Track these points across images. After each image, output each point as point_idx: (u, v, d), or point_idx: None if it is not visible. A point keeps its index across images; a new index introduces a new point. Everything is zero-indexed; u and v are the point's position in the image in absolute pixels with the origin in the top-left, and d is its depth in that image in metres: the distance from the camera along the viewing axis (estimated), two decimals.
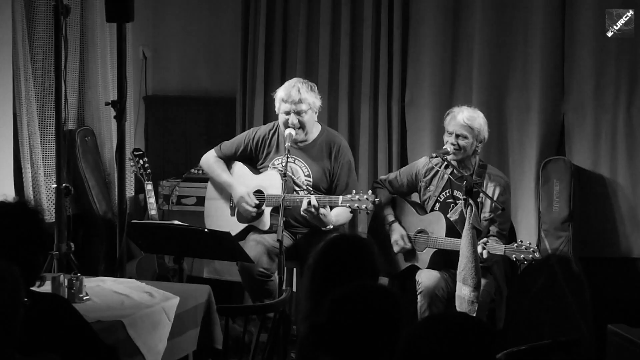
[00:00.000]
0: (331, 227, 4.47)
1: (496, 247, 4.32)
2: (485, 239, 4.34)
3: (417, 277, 4.46)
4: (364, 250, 2.74)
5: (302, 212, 4.39)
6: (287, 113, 4.58)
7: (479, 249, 4.26)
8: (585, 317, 4.87)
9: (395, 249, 4.60)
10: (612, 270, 5.10)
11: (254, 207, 4.62)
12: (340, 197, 4.38)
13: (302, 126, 4.60)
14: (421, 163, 4.73)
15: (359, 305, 2.14)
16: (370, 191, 4.38)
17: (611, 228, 5.07)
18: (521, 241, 4.30)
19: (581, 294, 4.90)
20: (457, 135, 4.48)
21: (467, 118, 4.49)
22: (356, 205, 4.31)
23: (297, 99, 4.55)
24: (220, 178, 4.78)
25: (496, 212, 4.45)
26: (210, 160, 4.84)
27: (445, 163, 4.51)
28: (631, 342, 3.78)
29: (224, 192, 4.81)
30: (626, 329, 3.89)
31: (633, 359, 3.75)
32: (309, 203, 4.34)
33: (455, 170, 4.49)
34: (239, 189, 4.69)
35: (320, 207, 4.36)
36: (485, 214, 4.47)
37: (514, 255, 4.27)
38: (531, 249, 4.24)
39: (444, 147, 4.54)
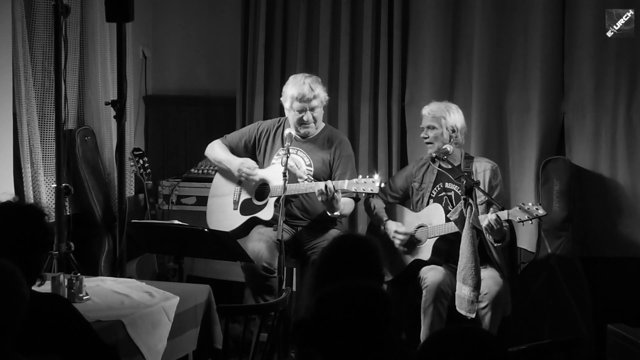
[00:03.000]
0: (338, 214, 4.51)
1: (501, 213, 4.33)
2: (493, 208, 4.42)
3: (421, 273, 4.46)
4: (370, 252, 2.75)
5: (317, 194, 4.41)
6: (301, 111, 4.59)
7: (492, 216, 4.26)
8: (585, 316, 4.87)
9: (397, 242, 4.59)
10: (612, 270, 5.10)
11: (254, 169, 4.67)
12: (347, 181, 4.39)
13: (315, 120, 4.68)
14: (411, 164, 4.83)
15: (345, 303, 2.12)
16: (376, 175, 4.38)
17: (611, 228, 5.08)
18: (523, 203, 4.32)
19: (581, 294, 4.91)
20: (427, 128, 4.60)
21: (430, 110, 4.62)
22: (362, 188, 4.32)
23: (311, 96, 4.60)
24: (221, 156, 4.82)
25: (492, 205, 4.47)
26: (214, 145, 4.88)
27: (432, 159, 4.57)
28: (631, 342, 3.78)
29: (228, 187, 4.82)
30: (626, 329, 3.90)
31: (633, 358, 3.75)
32: (325, 186, 4.36)
33: (443, 164, 4.55)
34: (236, 161, 4.73)
35: (335, 192, 4.38)
36: (480, 197, 4.47)
37: (517, 217, 4.29)
38: (534, 207, 4.26)
39: (443, 147, 4.55)
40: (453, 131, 4.58)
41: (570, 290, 4.88)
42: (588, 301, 4.91)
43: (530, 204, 4.31)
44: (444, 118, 4.58)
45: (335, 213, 4.50)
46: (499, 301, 4.36)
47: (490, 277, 4.36)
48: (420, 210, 4.65)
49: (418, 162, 4.77)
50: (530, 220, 4.31)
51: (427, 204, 4.63)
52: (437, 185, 4.62)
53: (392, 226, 4.63)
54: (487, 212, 4.47)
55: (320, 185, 4.39)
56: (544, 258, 4.94)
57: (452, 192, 4.56)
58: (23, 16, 4.68)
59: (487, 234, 4.37)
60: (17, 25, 4.60)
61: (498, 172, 4.67)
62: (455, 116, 4.62)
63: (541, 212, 4.29)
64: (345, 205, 4.60)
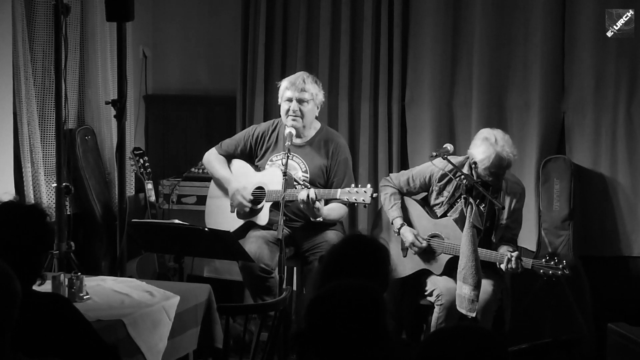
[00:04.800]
0: (321, 219, 4.49)
1: (525, 261, 4.30)
2: (517, 253, 4.32)
3: (431, 284, 4.43)
4: (380, 256, 2.75)
5: (298, 201, 4.41)
6: (289, 100, 4.59)
7: (513, 263, 4.24)
8: (585, 316, 4.87)
9: (413, 251, 4.54)
10: (612, 269, 5.10)
11: (248, 201, 4.63)
12: (339, 190, 4.39)
13: (302, 115, 4.62)
14: (437, 167, 4.57)
15: (337, 306, 2.13)
16: (369, 185, 4.38)
17: (611, 227, 5.07)
18: (547, 257, 4.31)
19: (581, 293, 4.90)
20: (491, 176, 4.38)
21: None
22: (354, 198, 4.31)
23: (300, 87, 4.59)
24: (219, 173, 4.82)
25: (497, 209, 4.43)
26: (211, 157, 4.87)
27: (434, 155, 4.47)
28: (631, 341, 3.78)
29: (225, 188, 4.82)
30: (626, 328, 3.90)
31: (633, 357, 3.75)
32: (308, 195, 4.36)
33: (458, 171, 4.46)
34: (234, 184, 4.72)
35: (317, 201, 4.38)
36: (503, 221, 4.44)
37: (541, 271, 4.27)
38: (560, 265, 4.24)
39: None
40: None
41: (570, 289, 4.88)
42: (588, 301, 4.91)
43: (555, 259, 4.30)
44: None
45: (318, 219, 4.49)
46: (488, 311, 4.35)
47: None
48: (437, 214, 4.57)
49: (444, 167, 4.50)
50: (553, 277, 4.29)
51: (447, 210, 4.54)
52: (462, 197, 4.53)
53: (409, 236, 4.51)
54: (504, 233, 4.45)
55: (303, 194, 4.38)
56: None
57: (460, 200, 4.48)
58: (23, 16, 4.68)
59: (498, 265, 4.34)
60: (17, 25, 4.60)
61: (524, 195, 4.58)
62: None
63: (567, 271, 4.27)
64: (332, 210, 4.58)
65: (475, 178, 4.40)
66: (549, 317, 4.89)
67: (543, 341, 3.15)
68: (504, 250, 4.36)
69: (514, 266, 4.25)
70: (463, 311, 4.27)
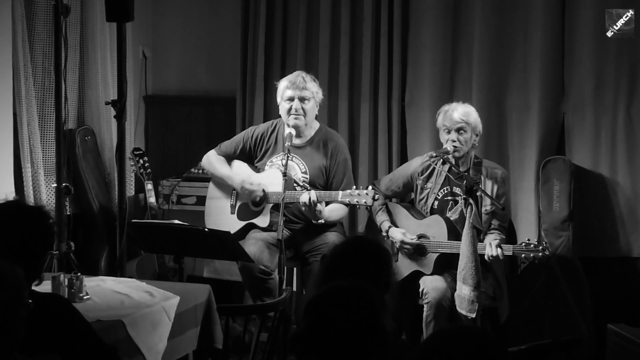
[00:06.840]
0: (323, 221, 4.50)
1: (505, 247, 4.31)
2: (497, 240, 4.33)
3: (422, 284, 4.44)
4: (382, 259, 2.76)
5: (300, 204, 4.42)
6: (291, 99, 4.60)
7: (494, 250, 4.25)
8: (585, 316, 4.87)
9: (404, 251, 4.56)
10: (612, 270, 5.10)
11: (258, 184, 4.64)
12: (340, 192, 4.40)
13: (304, 113, 4.64)
14: (416, 162, 4.71)
15: (334, 306, 2.14)
16: (370, 187, 4.39)
17: (611, 227, 5.08)
18: (528, 240, 4.32)
19: (581, 294, 4.91)
20: (458, 130, 4.48)
21: (462, 115, 4.50)
22: (355, 200, 4.33)
23: (301, 86, 4.62)
24: (220, 172, 4.82)
25: (479, 197, 4.44)
26: (211, 158, 4.87)
27: (442, 160, 4.51)
28: (631, 342, 3.79)
29: (225, 190, 4.83)
30: (626, 329, 3.91)
31: (633, 358, 3.76)
32: (309, 198, 4.36)
33: (454, 168, 4.48)
34: (237, 177, 4.73)
35: (318, 203, 4.38)
36: (487, 207, 4.46)
37: (523, 255, 4.28)
38: (540, 247, 4.25)
39: (444, 147, 4.53)
40: (477, 135, 4.54)
41: (570, 290, 4.88)
42: (588, 301, 4.91)
43: (536, 241, 4.31)
44: (475, 124, 4.51)
45: (320, 221, 4.49)
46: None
47: None
48: (422, 211, 4.60)
49: (423, 162, 4.64)
50: (536, 260, 4.30)
51: (432, 204, 4.58)
52: (445, 188, 4.57)
53: (397, 235, 4.54)
54: (491, 221, 4.46)
55: (304, 197, 4.39)
56: (544, 258, 4.93)
57: (460, 198, 4.50)
58: (23, 16, 4.68)
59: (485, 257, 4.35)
60: (17, 25, 4.60)
61: (507, 180, 4.61)
62: (479, 120, 4.55)
63: (547, 252, 4.29)
64: (333, 212, 4.60)
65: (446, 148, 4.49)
66: (549, 318, 4.89)
67: (542, 342, 3.15)
68: (490, 239, 4.37)
69: (494, 254, 4.26)
70: (463, 312, 4.27)
